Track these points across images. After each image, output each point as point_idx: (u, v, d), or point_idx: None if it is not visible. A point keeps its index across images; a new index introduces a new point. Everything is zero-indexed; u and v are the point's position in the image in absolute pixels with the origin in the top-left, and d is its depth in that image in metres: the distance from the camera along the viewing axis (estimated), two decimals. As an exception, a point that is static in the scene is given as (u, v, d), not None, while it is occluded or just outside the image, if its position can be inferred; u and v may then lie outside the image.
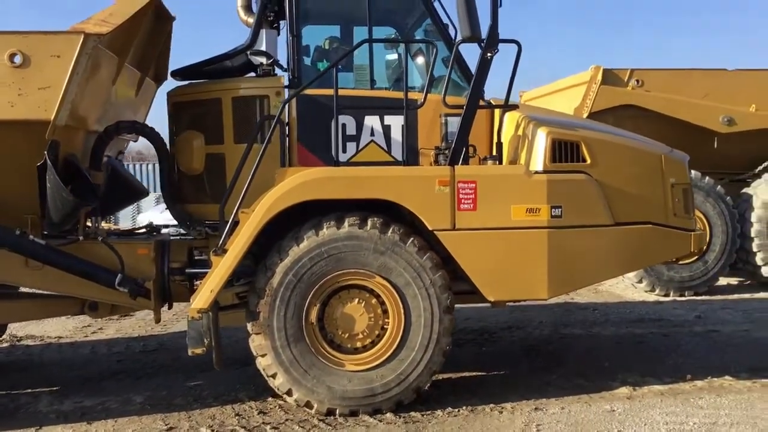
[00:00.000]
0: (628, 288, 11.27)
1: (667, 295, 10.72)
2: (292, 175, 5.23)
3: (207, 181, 6.03)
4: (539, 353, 7.18)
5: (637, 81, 10.85)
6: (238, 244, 5.13)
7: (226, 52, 6.04)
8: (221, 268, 5.12)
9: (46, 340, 8.39)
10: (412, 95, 5.61)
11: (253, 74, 6.18)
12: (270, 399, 5.72)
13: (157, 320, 6.15)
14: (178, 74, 6.27)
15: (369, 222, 5.23)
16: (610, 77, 10.81)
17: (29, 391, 6.20)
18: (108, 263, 5.74)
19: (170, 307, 6.15)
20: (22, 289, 6.95)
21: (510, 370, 6.51)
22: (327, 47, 6.26)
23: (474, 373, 6.39)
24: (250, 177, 5.21)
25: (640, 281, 10.83)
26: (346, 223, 5.22)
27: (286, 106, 5.62)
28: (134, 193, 6.77)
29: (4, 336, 7.94)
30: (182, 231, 6.32)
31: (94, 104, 5.47)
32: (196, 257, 6.05)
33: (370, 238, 5.20)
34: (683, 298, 10.53)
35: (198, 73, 6.27)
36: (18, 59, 4.88)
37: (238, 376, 6.38)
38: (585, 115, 10.24)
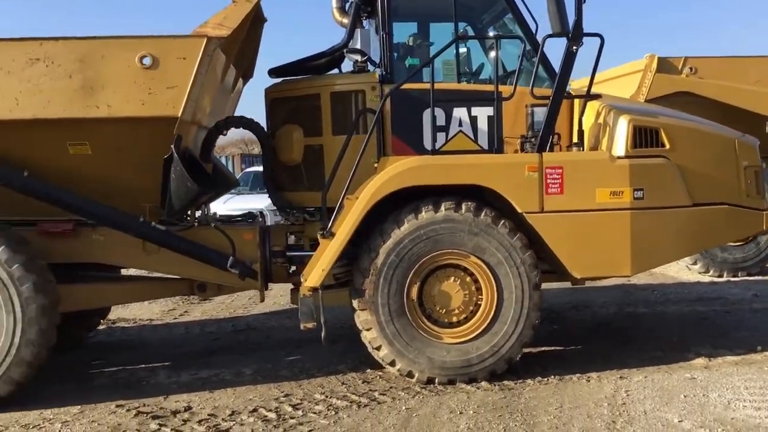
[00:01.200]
0: (681, 270, 11.55)
1: (720, 276, 10.99)
2: (392, 164, 5.68)
3: (304, 170, 6.50)
4: (609, 330, 7.57)
5: (691, 68, 11.09)
6: (345, 227, 5.61)
7: (323, 51, 6.50)
8: (331, 249, 5.61)
9: (138, 322, 8.96)
10: (488, 87, 6.06)
11: (342, 71, 6.66)
12: (369, 370, 6.20)
13: (262, 299, 6.69)
14: (274, 73, 6.75)
15: (463, 206, 5.68)
16: (664, 65, 11.06)
17: (143, 366, 6.75)
18: (218, 247, 6.24)
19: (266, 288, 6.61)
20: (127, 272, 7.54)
21: (585, 345, 6.91)
22: (411, 44, 6.68)
23: (552, 348, 6.80)
24: (354, 165, 5.69)
25: (695, 263, 11.12)
26: (442, 207, 5.67)
27: (380, 100, 6.06)
28: (230, 183, 7.29)
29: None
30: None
31: (208, 101, 5.96)
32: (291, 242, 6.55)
33: (465, 221, 5.65)
34: (737, 279, 10.80)
35: (293, 71, 6.74)
36: (148, 61, 5.38)
37: (331, 352, 6.86)
38: (641, 103, 10.52)
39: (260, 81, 11.25)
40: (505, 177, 5.64)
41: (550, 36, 5.63)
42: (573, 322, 8.06)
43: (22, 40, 5.31)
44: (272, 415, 5.16)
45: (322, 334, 5.75)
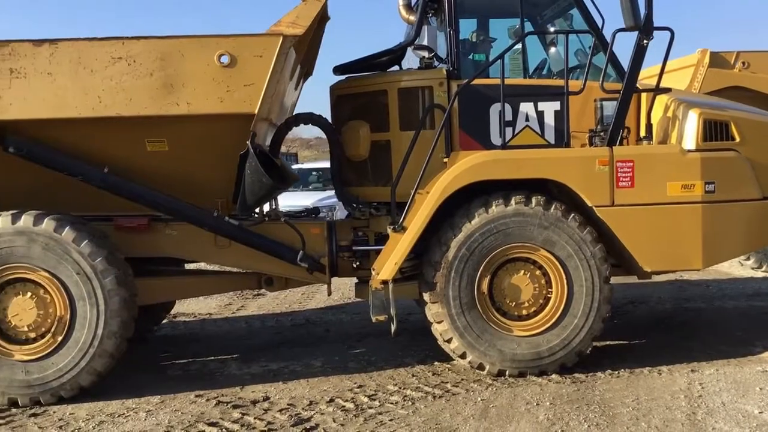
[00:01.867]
0: (733, 265, 11.45)
1: (774, 271, 10.90)
2: (463, 159, 5.75)
3: (370, 166, 6.58)
4: (671, 325, 7.56)
5: (744, 63, 10.99)
6: (417, 221, 5.69)
7: (390, 48, 6.58)
8: (403, 242, 5.70)
9: (198, 316, 9.13)
10: (557, 82, 6.09)
11: (402, 67, 6.74)
12: (436, 363, 6.28)
13: (329, 293, 6.81)
14: (339, 70, 6.85)
15: (533, 200, 5.73)
16: (716, 60, 10.97)
17: (212, 358, 6.89)
18: (286, 242, 6.36)
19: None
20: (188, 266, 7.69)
21: (649, 339, 6.91)
22: (474, 39, 6.73)
23: (617, 342, 6.81)
24: (426, 160, 5.77)
25: (748, 258, 11.03)
26: (512, 201, 5.72)
27: (447, 96, 6.13)
28: (293, 179, 7.39)
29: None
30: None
31: (279, 98, 6.08)
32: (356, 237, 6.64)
33: (535, 215, 5.70)
34: (790, 275, 10.69)
35: (356, 69, 6.83)
36: (226, 59, 5.50)
37: (395, 344, 6.95)
38: (694, 97, 10.45)
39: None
40: (576, 171, 5.68)
41: (621, 30, 5.65)
42: (633, 317, 8.06)
43: (106, 39, 5.46)
44: (350, 405, 5.26)
45: (393, 327, 5.83)
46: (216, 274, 6.99)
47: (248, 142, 5.71)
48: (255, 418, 5.07)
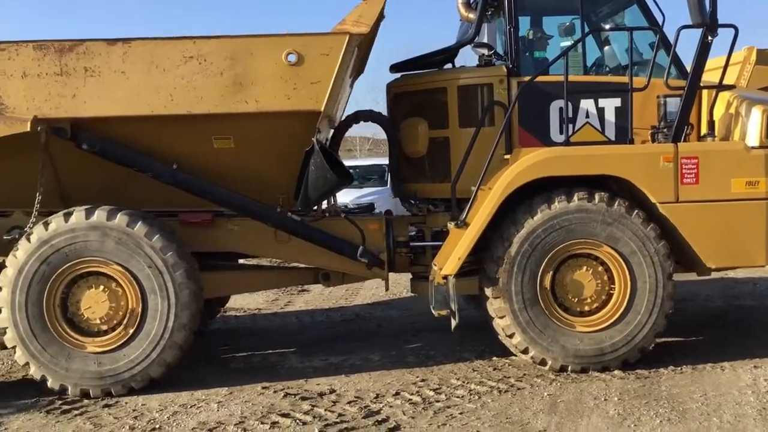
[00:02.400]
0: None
1: (821, 270, 10.76)
2: (526, 155, 5.79)
3: (428, 162, 6.64)
4: (726, 322, 7.54)
5: (792, 61, 10.87)
6: (480, 217, 5.75)
7: (449, 46, 6.64)
8: (467, 238, 5.76)
9: (247, 311, 9.25)
10: (621, 79, 6.11)
11: (455, 65, 6.80)
12: (495, 358, 6.33)
13: (387, 288, 6.88)
14: (395, 68, 6.92)
15: (597, 196, 5.76)
16: (763, 57, 10.87)
17: (270, 351, 7.00)
18: (346, 237, 6.44)
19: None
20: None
21: (706, 336, 6.90)
22: (531, 37, 6.76)
23: (675, 339, 6.80)
24: (489, 157, 5.83)
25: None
26: (575, 198, 5.76)
27: (507, 93, 6.18)
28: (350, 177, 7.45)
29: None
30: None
31: (340, 96, 6.16)
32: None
33: (598, 211, 5.72)
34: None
35: (412, 67, 6.90)
36: (293, 58, 5.60)
37: (448, 340, 7.01)
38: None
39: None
40: (640, 167, 5.70)
41: (686, 27, 5.66)
42: (685, 314, 8.02)
43: (178, 38, 5.58)
44: (417, 399, 5.33)
45: (454, 322, 5.89)
46: (275, 269, 7.09)
47: (314, 139, 5.80)
48: (325, 410, 5.16)
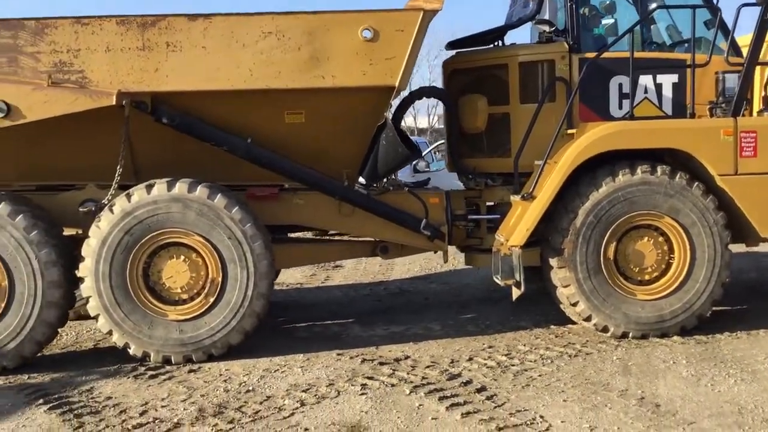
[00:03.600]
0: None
1: None
2: (592, 129, 5.99)
3: (486, 138, 6.84)
4: (760, 293, 7.78)
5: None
6: (548, 190, 5.95)
7: (509, 23, 6.81)
8: (534, 210, 5.97)
9: (290, 286, 9.44)
10: (682, 55, 6.32)
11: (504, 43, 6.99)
12: (552, 326, 6.57)
13: (446, 260, 7.09)
14: (451, 45, 7.09)
15: (659, 169, 5.98)
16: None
17: (328, 322, 7.21)
18: (408, 210, 6.64)
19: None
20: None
21: (751, 305, 7.14)
22: (586, 14, 6.92)
23: (722, 308, 7.03)
24: (556, 132, 6.02)
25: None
26: (638, 171, 5.97)
27: (569, 69, 6.36)
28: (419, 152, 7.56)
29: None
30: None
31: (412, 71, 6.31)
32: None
33: (660, 183, 5.95)
34: None
35: (466, 44, 7.08)
36: (369, 34, 5.75)
37: (500, 311, 7.25)
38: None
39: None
40: (702, 141, 5.92)
41: (747, 5, 5.85)
42: (742, 284, 8.15)
43: (257, 14, 5.72)
44: (491, 363, 5.56)
45: (519, 291, 6.09)
46: (335, 243, 7.25)
47: (386, 114, 5.97)
48: (407, 374, 5.37)
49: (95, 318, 5.83)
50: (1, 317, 5.70)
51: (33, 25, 5.59)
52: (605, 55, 6.29)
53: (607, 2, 7.02)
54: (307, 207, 6.62)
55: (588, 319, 6.09)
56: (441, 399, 4.79)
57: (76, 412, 4.85)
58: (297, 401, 4.86)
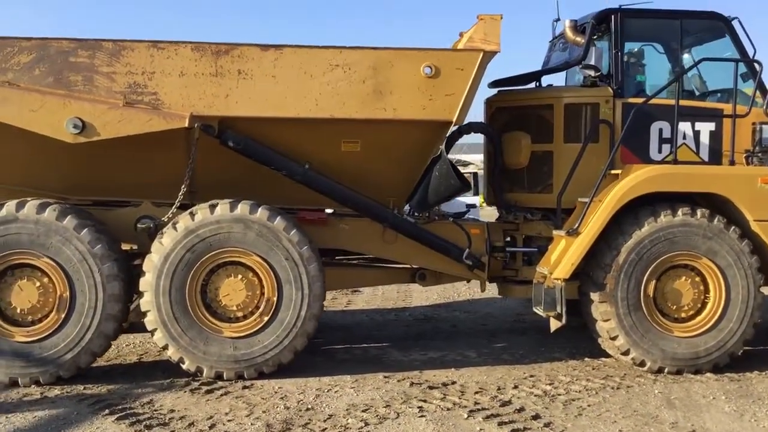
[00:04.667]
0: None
1: None
2: (637, 171, 6.28)
3: (527, 174, 7.10)
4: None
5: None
6: (594, 226, 6.21)
7: (556, 66, 7.12)
8: (580, 245, 6.22)
9: (314, 308, 9.57)
10: (722, 105, 6.65)
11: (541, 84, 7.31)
12: (587, 359, 6.79)
13: (483, 289, 7.31)
14: (495, 84, 7.39)
15: (698, 212, 6.27)
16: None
17: (364, 345, 7.39)
18: (451, 239, 6.87)
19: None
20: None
21: (773, 346, 7.39)
22: (631, 61, 7.24)
23: (749, 348, 7.27)
24: (603, 171, 6.31)
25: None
26: (679, 212, 6.26)
27: (612, 112, 6.67)
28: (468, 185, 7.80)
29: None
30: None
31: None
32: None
33: (700, 225, 6.23)
34: None
35: (508, 84, 7.39)
36: (430, 71, 6.02)
37: (529, 342, 7.47)
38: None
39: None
40: (740, 187, 6.23)
41: (787, 62, 6.18)
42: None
43: (326, 48, 5.97)
44: (538, 392, 5.76)
45: (560, 323, 6.31)
46: (376, 268, 7.44)
47: (442, 147, 6.23)
48: (459, 398, 5.56)
49: (152, 332, 5.98)
50: (61, 327, 5.83)
51: (110, 46, 5.80)
52: (641, 101, 6.59)
53: (635, 50, 7.33)
54: (352, 232, 6.85)
55: (626, 353, 6.31)
56: (500, 425, 4.98)
57: (145, 423, 4.99)
58: (360, 421, 5.03)
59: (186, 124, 5.79)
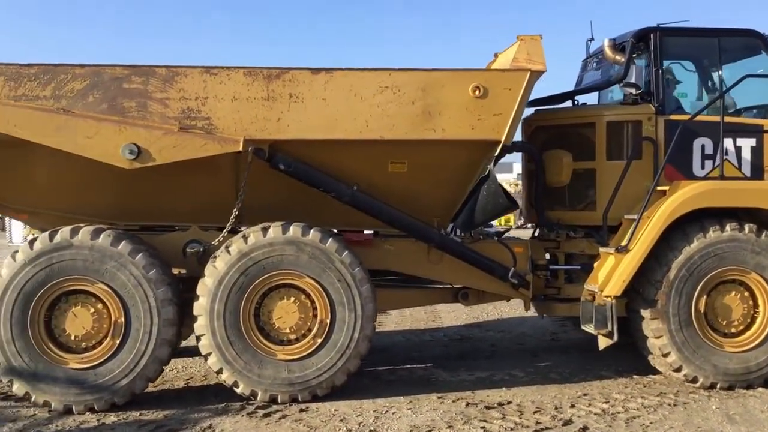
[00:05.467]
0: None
1: None
2: (685, 187, 6.31)
3: (567, 191, 7.13)
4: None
5: None
6: (644, 243, 6.24)
7: (596, 84, 7.19)
8: (631, 262, 6.23)
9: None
10: (759, 121, 6.72)
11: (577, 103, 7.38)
12: (634, 376, 6.77)
13: (527, 308, 7.30)
14: (532, 104, 7.44)
15: (746, 227, 6.30)
16: None
17: (408, 366, 7.38)
18: (496, 259, 6.89)
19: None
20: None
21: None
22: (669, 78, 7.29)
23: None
24: (652, 187, 6.35)
25: None
26: (727, 228, 6.29)
27: (656, 130, 6.72)
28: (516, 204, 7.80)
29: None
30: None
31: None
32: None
33: (748, 241, 6.26)
34: None
35: (543, 103, 7.45)
36: (479, 91, 6.07)
37: (570, 360, 7.46)
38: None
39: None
40: (788, 202, 6.25)
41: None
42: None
43: (375, 70, 6.02)
44: (596, 410, 5.75)
45: (608, 341, 6.30)
46: (418, 289, 7.44)
47: (490, 166, 6.26)
48: (519, 418, 5.54)
49: (205, 356, 5.96)
50: (116, 353, 5.82)
51: (164, 72, 5.85)
52: (685, 118, 6.65)
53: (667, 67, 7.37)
54: (396, 253, 6.86)
55: (678, 369, 6.31)
56: (568, 443, 4.96)
57: (212, 448, 4.95)
58: (428, 442, 5.01)
59: (240, 148, 5.82)
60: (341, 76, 5.99)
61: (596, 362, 7.32)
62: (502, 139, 6.13)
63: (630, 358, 7.12)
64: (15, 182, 6.35)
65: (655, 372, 6.70)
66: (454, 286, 7.27)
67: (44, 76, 5.75)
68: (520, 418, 5.55)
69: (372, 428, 5.35)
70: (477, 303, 7.45)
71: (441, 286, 7.36)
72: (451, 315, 10.51)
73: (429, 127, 6.07)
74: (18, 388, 5.78)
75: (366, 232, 6.95)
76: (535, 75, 6.16)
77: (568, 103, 7.78)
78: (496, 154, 6.25)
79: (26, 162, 6.18)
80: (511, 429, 5.29)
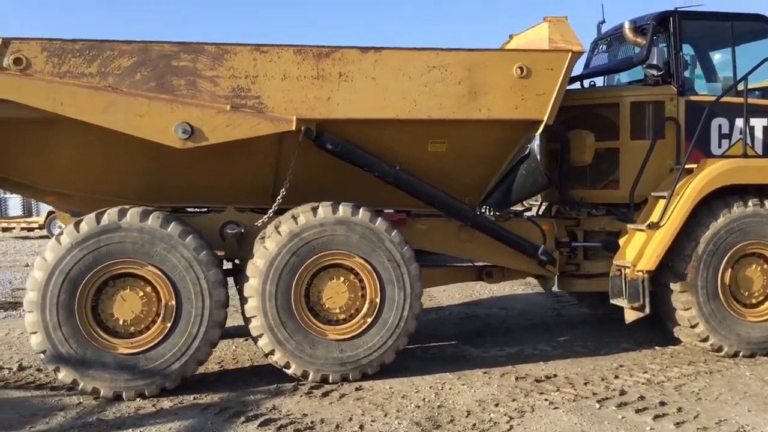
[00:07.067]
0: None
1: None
2: (712, 165, 6.60)
3: (589, 171, 7.34)
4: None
5: None
6: (675, 219, 6.49)
7: (618, 65, 7.39)
8: (664, 237, 6.49)
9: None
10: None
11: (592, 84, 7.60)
12: (656, 347, 7.07)
13: (552, 285, 7.49)
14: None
15: (767, 203, 6.63)
16: None
17: (434, 344, 7.48)
18: (526, 237, 7.06)
19: None
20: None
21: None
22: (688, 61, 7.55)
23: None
24: (682, 166, 6.60)
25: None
26: (750, 203, 6.62)
27: (677, 110, 6.98)
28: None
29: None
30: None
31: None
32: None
33: (768, 215, 6.61)
34: None
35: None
36: (523, 72, 6.18)
37: (588, 334, 7.72)
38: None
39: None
40: (807, 177, 6.63)
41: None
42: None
43: (423, 49, 6.04)
44: (641, 379, 5.98)
45: (639, 314, 6.55)
46: (444, 267, 7.53)
47: (531, 145, 6.38)
48: (574, 389, 5.72)
49: (255, 339, 5.91)
50: (167, 337, 5.71)
51: (213, 50, 5.72)
52: (705, 98, 6.93)
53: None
54: (428, 232, 6.93)
55: (705, 339, 6.62)
56: (637, 411, 5.16)
57: (296, 427, 4.94)
58: (503, 415, 5.12)
59: (293, 127, 5.76)
60: (390, 55, 5.98)
61: (612, 335, 7.59)
62: (545, 119, 6.25)
63: (643, 330, 7.42)
64: (43, 163, 6.11)
65: (675, 342, 7.02)
66: (479, 264, 7.38)
67: (89, 53, 5.54)
68: (574, 389, 5.72)
69: (439, 404, 5.42)
70: (501, 281, 7.61)
71: (465, 264, 7.47)
72: (445, 294, 10.64)
73: (475, 107, 6.14)
74: (65, 375, 5.60)
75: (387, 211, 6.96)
76: (576, 55, 6.30)
77: (576, 85, 7.97)
78: (537, 133, 6.35)
79: (54, 142, 5.95)
80: (573, 400, 5.45)
